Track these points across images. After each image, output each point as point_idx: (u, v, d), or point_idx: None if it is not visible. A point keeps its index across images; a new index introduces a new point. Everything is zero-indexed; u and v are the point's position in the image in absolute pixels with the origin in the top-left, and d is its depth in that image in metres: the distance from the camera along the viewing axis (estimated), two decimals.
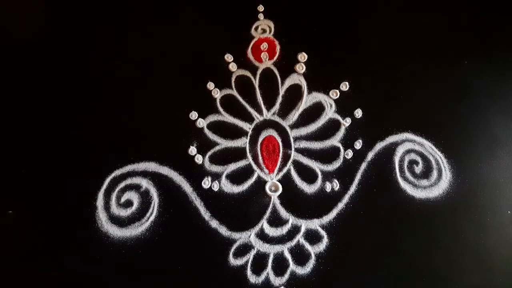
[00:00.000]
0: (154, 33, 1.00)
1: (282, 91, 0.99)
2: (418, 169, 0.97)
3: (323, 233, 0.93)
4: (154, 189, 0.92)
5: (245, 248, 0.91)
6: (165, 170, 0.93)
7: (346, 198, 0.94)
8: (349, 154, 0.97)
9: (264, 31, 1.02)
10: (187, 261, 0.89)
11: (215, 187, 0.93)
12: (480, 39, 1.04)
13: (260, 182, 0.95)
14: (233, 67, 0.99)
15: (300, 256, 0.92)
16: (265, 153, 0.96)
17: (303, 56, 1.00)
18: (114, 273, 0.88)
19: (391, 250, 0.93)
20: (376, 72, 1.01)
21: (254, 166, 0.96)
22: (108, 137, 0.94)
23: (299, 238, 0.92)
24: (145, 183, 0.92)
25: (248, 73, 0.99)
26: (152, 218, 0.91)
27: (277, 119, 0.98)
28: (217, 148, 0.96)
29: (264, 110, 0.98)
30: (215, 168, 0.95)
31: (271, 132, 0.98)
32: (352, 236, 0.93)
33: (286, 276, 0.90)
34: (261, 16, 1.02)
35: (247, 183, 0.95)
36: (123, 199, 0.91)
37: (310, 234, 0.93)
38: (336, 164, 0.96)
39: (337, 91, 0.99)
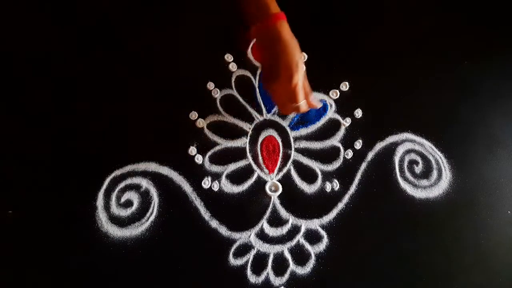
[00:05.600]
0: (153, 33, 1.00)
1: None
2: (418, 169, 0.97)
3: (323, 233, 0.93)
4: (154, 189, 0.92)
5: (245, 248, 0.91)
6: (165, 170, 0.93)
7: (346, 198, 0.94)
8: (349, 154, 0.97)
9: None
10: (187, 261, 0.89)
11: (215, 187, 0.93)
12: (480, 39, 1.04)
13: (260, 182, 0.95)
14: (233, 67, 0.99)
15: (300, 256, 0.92)
16: (265, 153, 0.96)
17: (303, 56, 1.00)
18: (114, 273, 0.88)
19: (391, 250, 0.93)
20: (376, 72, 1.02)
21: (254, 166, 0.96)
22: (108, 137, 0.94)
23: (299, 238, 0.92)
24: (145, 183, 0.92)
25: (248, 73, 1.00)
26: (152, 218, 0.91)
27: (277, 119, 0.98)
28: (217, 148, 0.96)
29: (264, 110, 0.98)
30: (215, 168, 0.95)
31: (271, 132, 0.98)
32: (352, 236, 0.93)
33: (286, 276, 0.90)
34: None
35: (247, 183, 0.95)
36: (123, 199, 0.91)
37: (310, 234, 0.93)
38: (336, 164, 0.96)
39: (337, 91, 1.00)
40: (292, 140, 0.97)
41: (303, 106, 0.81)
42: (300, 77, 0.77)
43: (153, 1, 1.02)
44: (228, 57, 0.99)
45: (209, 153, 0.95)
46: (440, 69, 1.02)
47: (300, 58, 0.78)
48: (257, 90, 0.99)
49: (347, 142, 0.97)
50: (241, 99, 0.98)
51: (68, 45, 0.98)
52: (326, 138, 0.98)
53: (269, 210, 0.93)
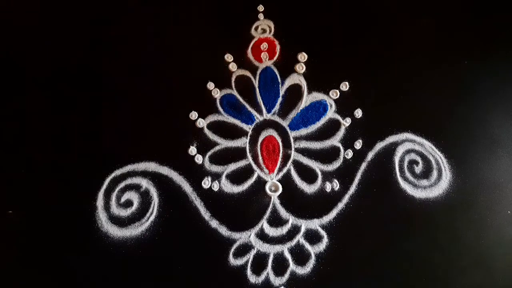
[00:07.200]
0: (154, 33, 1.00)
1: (282, 91, 0.99)
2: (418, 169, 0.97)
3: (323, 233, 0.93)
4: (154, 189, 0.92)
5: (245, 248, 0.91)
6: (165, 170, 0.93)
7: (346, 198, 0.94)
8: (349, 154, 0.97)
9: (264, 31, 1.02)
10: (187, 261, 0.89)
11: (215, 187, 0.93)
12: (480, 39, 1.04)
13: (260, 182, 0.95)
14: (233, 67, 0.99)
15: (300, 256, 0.92)
16: (265, 153, 0.96)
17: (303, 56, 1.00)
18: (114, 273, 0.88)
19: (391, 250, 0.93)
20: (376, 72, 1.01)
21: (254, 166, 0.96)
22: (108, 137, 0.94)
23: (299, 238, 0.92)
24: (145, 183, 0.92)
25: (248, 73, 0.99)
26: (152, 218, 0.91)
27: (277, 119, 0.98)
28: (217, 148, 0.96)
29: (264, 110, 0.98)
30: (215, 168, 0.95)
31: (271, 132, 0.98)
32: (352, 236, 0.93)
33: (286, 276, 0.90)
34: (261, 16, 1.02)
35: (247, 183, 0.95)
36: (123, 199, 0.91)
37: (310, 234, 0.93)
38: (336, 164, 0.96)
39: (337, 91, 0.99)
40: (292, 140, 0.97)
41: None
42: None
43: (153, 1, 1.02)
44: (228, 57, 0.99)
45: (209, 153, 0.95)
46: (440, 69, 1.02)
47: None
48: (257, 90, 0.99)
49: (347, 142, 0.97)
50: (241, 99, 0.98)
51: (68, 45, 0.98)
52: (326, 138, 0.98)
53: (269, 210, 0.93)
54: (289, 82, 1.00)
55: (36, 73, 0.97)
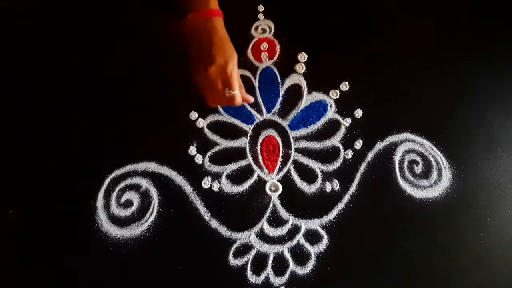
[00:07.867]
0: (153, 32, 1.00)
1: (282, 91, 0.99)
2: (418, 169, 0.97)
3: (323, 233, 0.93)
4: (154, 189, 0.92)
5: (245, 248, 0.91)
6: (165, 170, 0.93)
7: (346, 198, 0.94)
8: (349, 154, 0.97)
9: (264, 31, 1.02)
10: (187, 261, 0.89)
11: (215, 187, 0.93)
12: (480, 39, 1.04)
13: (260, 182, 0.95)
14: None
15: (300, 256, 0.92)
16: (265, 153, 0.96)
17: (303, 56, 1.00)
18: (114, 273, 0.88)
19: (391, 250, 0.93)
20: (376, 72, 1.01)
21: (254, 166, 0.96)
22: (108, 137, 0.94)
23: (299, 238, 0.93)
24: (145, 183, 0.92)
25: (248, 73, 0.99)
26: (152, 218, 0.91)
27: (277, 119, 0.98)
28: (217, 148, 0.96)
29: (264, 110, 0.98)
30: (215, 168, 0.95)
31: (271, 132, 0.98)
32: (352, 236, 0.93)
33: (286, 276, 0.90)
34: (261, 16, 1.02)
35: (247, 183, 0.95)
36: (123, 199, 0.91)
37: (310, 234, 0.93)
38: (336, 164, 0.96)
39: (337, 91, 1.00)
40: (292, 140, 0.97)
41: (238, 96, 0.85)
42: (235, 66, 0.83)
43: (153, 1, 1.02)
44: None
45: (209, 153, 0.95)
46: (440, 69, 1.02)
47: (234, 53, 0.84)
48: (257, 90, 0.99)
49: (347, 142, 0.97)
50: None
51: (68, 45, 0.98)
52: (326, 138, 0.98)
53: (269, 210, 0.94)
54: (289, 82, 1.00)
55: (36, 73, 0.97)
